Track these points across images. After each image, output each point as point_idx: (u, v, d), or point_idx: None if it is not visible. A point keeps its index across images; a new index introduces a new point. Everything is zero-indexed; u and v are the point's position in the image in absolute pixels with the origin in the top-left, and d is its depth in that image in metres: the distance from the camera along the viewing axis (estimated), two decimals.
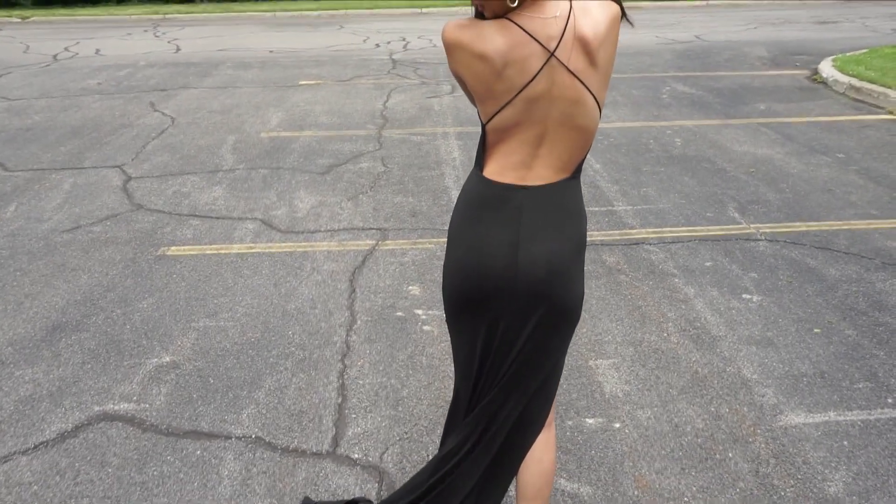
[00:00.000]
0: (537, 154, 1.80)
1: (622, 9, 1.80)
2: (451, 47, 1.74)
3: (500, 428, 1.99)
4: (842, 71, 8.81)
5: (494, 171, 1.83)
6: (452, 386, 2.22)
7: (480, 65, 1.71)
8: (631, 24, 1.84)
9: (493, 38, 1.69)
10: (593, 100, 1.78)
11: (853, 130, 6.90)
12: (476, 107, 1.84)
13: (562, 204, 1.87)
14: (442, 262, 1.98)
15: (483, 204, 1.85)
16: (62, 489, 2.62)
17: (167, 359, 3.41)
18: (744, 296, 3.90)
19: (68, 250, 4.55)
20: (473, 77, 1.74)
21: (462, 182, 1.91)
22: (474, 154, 1.89)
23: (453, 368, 2.07)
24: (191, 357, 3.42)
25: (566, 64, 1.73)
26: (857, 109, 7.71)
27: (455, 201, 1.93)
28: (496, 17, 1.73)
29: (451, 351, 2.16)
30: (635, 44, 12.07)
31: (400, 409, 3.03)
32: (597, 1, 1.78)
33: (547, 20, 1.71)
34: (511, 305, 1.86)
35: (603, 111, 7.87)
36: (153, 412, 3.04)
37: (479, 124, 1.82)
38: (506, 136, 1.79)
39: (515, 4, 1.69)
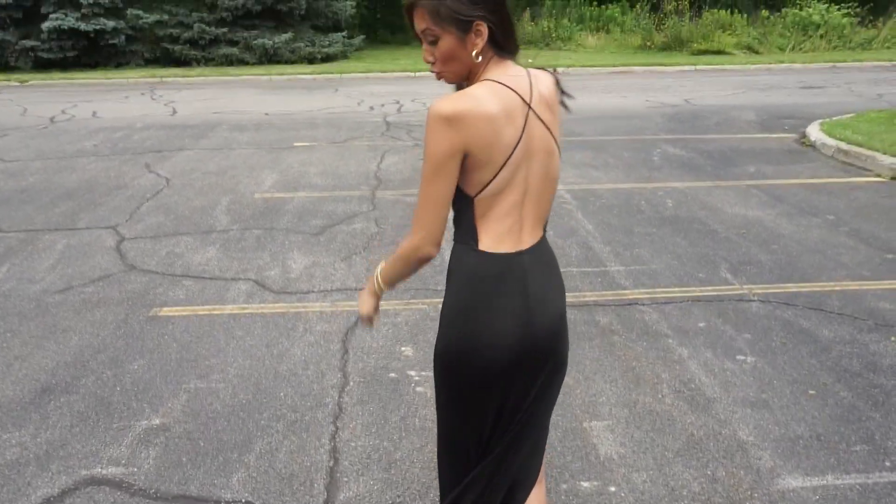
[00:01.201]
0: (523, 214, 1.83)
1: (559, 83, 1.90)
2: (455, 120, 1.69)
3: (503, 482, 1.99)
4: (829, 134, 8.94)
5: (490, 242, 1.82)
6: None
7: (487, 127, 1.71)
8: (570, 97, 1.92)
9: (489, 98, 1.72)
10: (558, 150, 1.86)
11: (842, 192, 6.98)
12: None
13: (550, 259, 1.94)
14: (435, 325, 1.96)
15: (488, 278, 1.83)
16: None
17: (157, 421, 3.37)
18: (738, 357, 3.89)
19: (60, 311, 4.53)
20: (481, 144, 1.72)
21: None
22: None
23: (447, 431, 2.04)
24: (181, 419, 3.38)
25: (540, 116, 1.79)
26: (845, 172, 7.81)
27: (448, 272, 1.92)
28: (459, 79, 1.79)
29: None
30: (626, 107, 12.27)
31: (392, 472, 2.99)
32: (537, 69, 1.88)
33: (515, 77, 1.78)
34: (524, 369, 1.88)
35: (595, 173, 7.90)
36: (142, 476, 2.99)
37: (468, 202, 1.81)
38: (494, 203, 1.79)
39: (480, 59, 1.75)
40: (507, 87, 1.75)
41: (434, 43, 1.75)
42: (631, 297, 4.65)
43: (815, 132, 9.27)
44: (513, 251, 1.83)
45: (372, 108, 12.56)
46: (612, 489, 2.89)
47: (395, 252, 1.87)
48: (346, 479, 2.97)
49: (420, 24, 1.74)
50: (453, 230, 1.87)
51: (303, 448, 3.16)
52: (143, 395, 3.60)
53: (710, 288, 4.77)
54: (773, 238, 5.69)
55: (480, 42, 1.73)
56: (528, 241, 1.85)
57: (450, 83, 1.82)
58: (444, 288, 1.93)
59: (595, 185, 7.30)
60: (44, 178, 7.89)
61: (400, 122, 11.00)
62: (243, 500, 2.84)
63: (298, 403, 3.51)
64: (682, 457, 3.08)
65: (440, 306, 1.93)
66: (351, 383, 3.68)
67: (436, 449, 2.12)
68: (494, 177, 1.76)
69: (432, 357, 1.95)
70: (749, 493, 2.85)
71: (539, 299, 1.85)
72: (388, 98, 13.58)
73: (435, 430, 3.23)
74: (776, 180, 7.43)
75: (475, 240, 1.83)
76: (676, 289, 4.76)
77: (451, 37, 1.73)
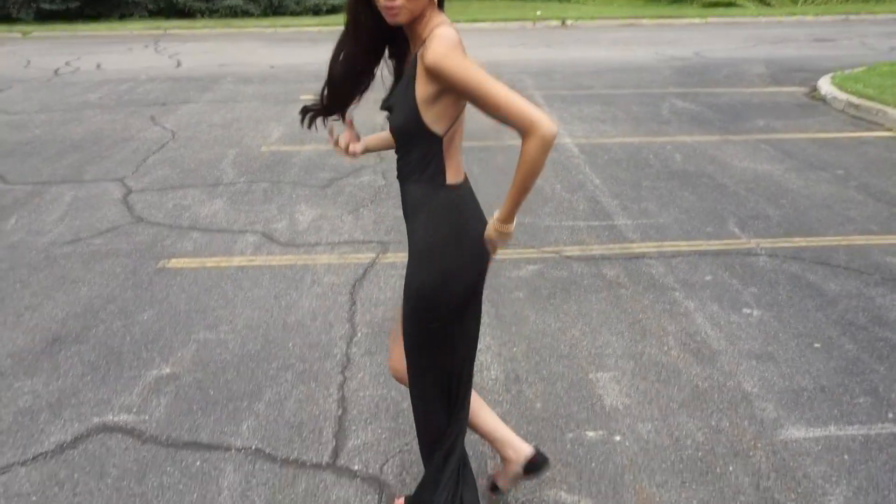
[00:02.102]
0: (461, 147, 2.05)
1: None
2: (461, 47, 1.84)
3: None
4: (840, 88, 8.84)
5: (452, 176, 2.02)
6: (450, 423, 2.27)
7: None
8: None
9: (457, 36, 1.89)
10: None
11: (852, 147, 6.93)
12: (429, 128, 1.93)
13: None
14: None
15: (460, 207, 2.04)
16: (61, 500, 2.61)
17: (167, 370, 3.41)
18: (744, 310, 3.91)
19: (69, 263, 4.56)
20: None
21: None
22: (471, 168, 1.98)
23: (434, 368, 2.15)
24: (191, 369, 3.42)
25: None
26: (855, 126, 7.75)
27: (415, 210, 2.07)
28: (412, 18, 1.87)
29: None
30: (635, 60, 12.13)
31: (400, 420, 3.03)
32: None
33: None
34: (482, 284, 2.14)
35: (603, 127, 7.82)
36: (153, 423, 3.03)
37: (438, 141, 1.95)
38: (453, 139, 1.99)
39: (433, 4, 1.90)
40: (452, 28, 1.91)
41: None
42: (638, 250, 4.65)
43: (825, 86, 9.17)
44: (463, 181, 2.05)
45: None
46: (617, 438, 2.92)
47: (522, 170, 1.81)
48: (354, 427, 3.01)
49: None
50: (414, 172, 2.00)
51: (311, 397, 3.20)
52: (153, 345, 3.63)
53: (717, 242, 4.76)
54: (781, 192, 5.67)
55: None
56: (463, 170, 2.04)
57: (401, 22, 1.87)
58: None
59: (603, 138, 7.25)
60: (49, 130, 7.87)
61: None
62: (253, 447, 2.88)
63: (307, 354, 3.54)
64: (686, 407, 3.11)
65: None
66: (359, 334, 3.71)
67: (427, 397, 2.21)
68: (461, 112, 1.94)
69: (411, 297, 2.07)
70: (752, 443, 2.88)
71: (483, 219, 2.06)
72: None
73: None
74: (786, 134, 7.37)
75: (443, 175, 1.99)
76: (684, 242, 4.75)
77: None
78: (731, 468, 2.75)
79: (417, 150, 1.96)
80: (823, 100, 8.85)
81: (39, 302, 4.07)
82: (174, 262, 4.54)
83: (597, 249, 4.65)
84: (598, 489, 2.65)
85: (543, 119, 1.75)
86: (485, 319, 3.81)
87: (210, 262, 4.55)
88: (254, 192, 5.84)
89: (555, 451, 2.84)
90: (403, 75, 1.97)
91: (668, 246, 4.70)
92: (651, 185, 5.88)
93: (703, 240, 4.79)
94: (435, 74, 1.80)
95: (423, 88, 1.86)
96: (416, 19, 1.87)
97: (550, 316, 3.87)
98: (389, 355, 2.42)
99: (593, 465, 2.78)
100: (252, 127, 7.94)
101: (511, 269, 4.40)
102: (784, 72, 10.76)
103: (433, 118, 1.90)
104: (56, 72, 11.68)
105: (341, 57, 2.03)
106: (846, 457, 2.81)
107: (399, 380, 2.40)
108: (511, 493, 2.62)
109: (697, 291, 4.11)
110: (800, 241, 4.74)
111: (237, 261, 4.57)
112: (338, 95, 2.10)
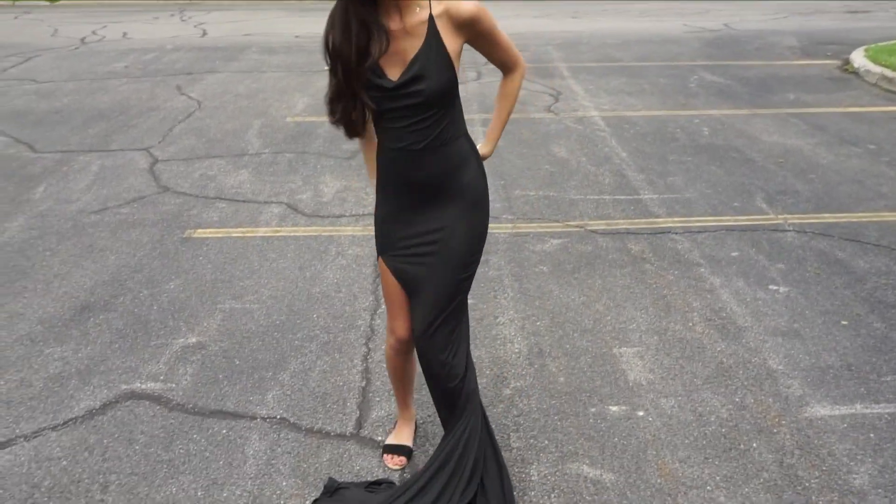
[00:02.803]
0: None
1: None
2: None
3: None
4: (874, 61, 8.67)
5: None
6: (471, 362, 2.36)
7: None
8: None
9: None
10: None
11: (884, 121, 6.80)
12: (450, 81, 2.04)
13: None
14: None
15: None
16: (90, 465, 2.66)
17: (193, 339, 3.44)
18: (770, 286, 3.87)
19: (96, 231, 4.60)
20: None
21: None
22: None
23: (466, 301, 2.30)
24: (217, 338, 3.45)
25: None
26: (888, 100, 7.60)
27: (464, 161, 2.19)
28: None
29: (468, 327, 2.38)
30: (663, 32, 11.96)
31: (423, 392, 3.04)
32: None
33: None
34: None
35: (630, 99, 7.73)
36: (179, 392, 3.07)
37: (458, 93, 2.10)
38: None
39: None
40: None
41: None
42: (664, 225, 4.62)
43: (858, 59, 8.99)
44: None
45: None
46: (641, 413, 2.92)
47: (511, 101, 2.26)
48: (378, 398, 3.03)
49: None
50: (451, 129, 2.08)
51: (336, 368, 3.22)
52: (180, 314, 3.67)
53: (744, 217, 4.71)
54: (811, 167, 5.59)
55: None
56: None
57: None
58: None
59: (630, 111, 7.18)
60: (77, 99, 7.91)
61: None
62: (278, 417, 2.91)
63: (331, 325, 3.56)
64: (710, 384, 3.10)
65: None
66: (382, 306, 3.72)
67: (462, 336, 2.30)
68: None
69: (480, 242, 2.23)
70: (777, 420, 2.87)
71: None
72: None
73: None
74: (816, 108, 7.25)
75: (466, 127, 2.18)
76: (710, 218, 4.71)
77: None
78: (754, 445, 2.74)
79: (452, 107, 2.07)
80: (856, 73, 8.69)
81: (68, 270, 4.12)
82: (200, 232, 4.57)
83: (622, 224, 4.62)
84: (621, 464, 2.65)
85: (521, 56, 2.20)
86: (508, 293, 3.81)
87: (235, 232, 4.58)
88: (279, 162, 5.85)
89: (578, 426, 2.85)
90: (425, 39, 1.94)
91: (695, 221, 4.66)
92: (678, 158, 5.82)
93: (730, 215, 4.74)
94: (472, 25, 1.97)
95: (454, 43, 1.97)
96: None
97: (574, 290, 3.86)
98: (397, 329, 2.37)
99: (616, 439, 2.78)
100: (277, 97, 7.94)
101: (535, 242, 4.39)
102: (816, 44, 10.56)
103: (457, 71, 2.04)
104: (83, 40, 11.71)
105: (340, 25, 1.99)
106: (872, 435, 2.79)
107: (408, 350, 2.45)
108: (533, 465, 2.63)
109: (723, 267, 4.08)
110: (829, 217, 4.68)
111: (262, 231, 4.59)
112: (348, 60, 2.00)
